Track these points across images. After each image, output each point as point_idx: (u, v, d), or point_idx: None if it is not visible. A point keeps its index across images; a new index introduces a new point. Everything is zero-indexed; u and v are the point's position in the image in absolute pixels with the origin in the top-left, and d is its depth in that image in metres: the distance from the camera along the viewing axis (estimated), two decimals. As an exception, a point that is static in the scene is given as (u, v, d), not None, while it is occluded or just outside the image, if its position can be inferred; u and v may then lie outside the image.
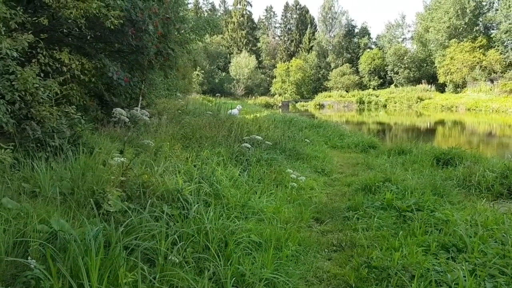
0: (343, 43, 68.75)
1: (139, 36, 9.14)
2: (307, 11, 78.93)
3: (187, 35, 13.00)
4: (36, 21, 7.14)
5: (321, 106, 56.62)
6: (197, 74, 54.33)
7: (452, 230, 4.02)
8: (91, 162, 4.46)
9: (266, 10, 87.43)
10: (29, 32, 5.85)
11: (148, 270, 3.05)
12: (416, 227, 4.28)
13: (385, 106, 52.07)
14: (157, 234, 3.47)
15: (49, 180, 4.28)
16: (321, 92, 64.40)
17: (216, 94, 55.67)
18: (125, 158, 4.28)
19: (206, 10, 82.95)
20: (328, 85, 65.47)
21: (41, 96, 5.59)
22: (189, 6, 66.77)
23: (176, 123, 10.80)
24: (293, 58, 71.21)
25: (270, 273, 3.29)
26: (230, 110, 15.27)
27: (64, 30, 8.10)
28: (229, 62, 72.43)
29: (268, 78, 74.01)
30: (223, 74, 72.03)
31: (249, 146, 6.40)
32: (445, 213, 4.50)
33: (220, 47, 75.89)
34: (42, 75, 6.11)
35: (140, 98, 11.64)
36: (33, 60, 6.32)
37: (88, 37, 8.33)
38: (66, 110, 5.53)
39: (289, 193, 5.68)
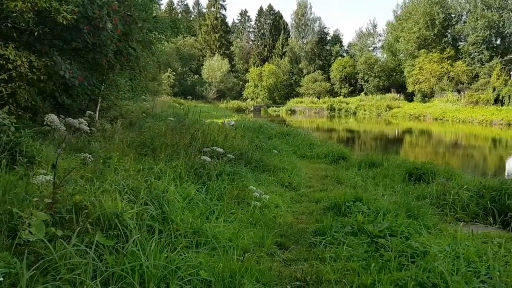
0: (315, 50, 69.05)
1: (96, 33, 8.43)
2: (281, 17, 78.91)
3: (152, 35, 12.28)
4: (-26, 12, 6.39)
5: (293, 112, 56.55)
6: (168, 76, 53.30)
7: (431, 265, 3.53)
8: (13, 178, 3.77)
9: (240, 14, 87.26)
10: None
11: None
12: (390, 258, 3.80)
13: (355, 113, 52.51)
14: (82, 273, 2.84)
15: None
16: (293, 97, 64.45)
17: (188, 97, 54.77)
18: (51, 176, 3.60)
19: (180, 11, 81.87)
20: (300, 91, 65.56)
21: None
22: (162, 6, 65.77)
23: (137, 128, 10.08)
24: (266, 63, 71.03)
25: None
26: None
27: (9, 24, 7.32)
28: (202, 65, 71.48)
29: (240, 82, 73.48)
30: (196, 76, 70.95)
31: (209, 159, 5.79)
32: (422, 242, 4.03)
33: (193, 49, 74.84)
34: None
35: (100, 99, 10.87)
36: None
37: (36, 33, 7.55)
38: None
39: (251, 212, 5.11)
